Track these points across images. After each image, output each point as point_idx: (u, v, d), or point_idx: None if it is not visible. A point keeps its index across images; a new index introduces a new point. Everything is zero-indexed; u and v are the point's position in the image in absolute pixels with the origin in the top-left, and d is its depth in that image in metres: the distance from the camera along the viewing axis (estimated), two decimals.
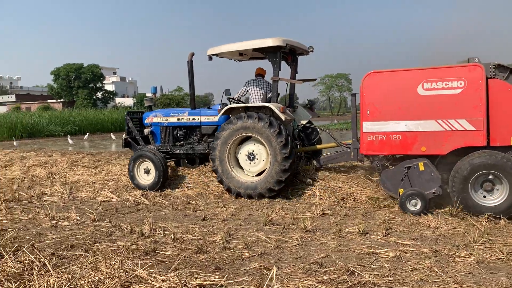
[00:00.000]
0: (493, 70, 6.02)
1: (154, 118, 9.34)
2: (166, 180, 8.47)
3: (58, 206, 7.49)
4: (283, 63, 8.38)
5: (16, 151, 15.08)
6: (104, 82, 70.90)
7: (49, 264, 4.03)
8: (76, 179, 9.64)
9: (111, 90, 74.74)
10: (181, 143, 9.09)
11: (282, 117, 7.45)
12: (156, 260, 4.60)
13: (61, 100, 64.87)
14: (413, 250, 4.70)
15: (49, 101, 65.71)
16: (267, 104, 7.63)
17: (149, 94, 71.71)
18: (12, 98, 73.67)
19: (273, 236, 5.29)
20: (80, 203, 7.78)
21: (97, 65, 67.47)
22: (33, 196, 8.18)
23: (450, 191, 6.15)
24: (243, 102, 8.53)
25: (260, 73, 8.64)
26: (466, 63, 6.19)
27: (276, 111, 7.47)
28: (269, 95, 8.22)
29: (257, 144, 7.70)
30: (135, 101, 68.63)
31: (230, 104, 8.15)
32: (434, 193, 6.23)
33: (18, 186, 9.23)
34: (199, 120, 8.79)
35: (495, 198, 5.91)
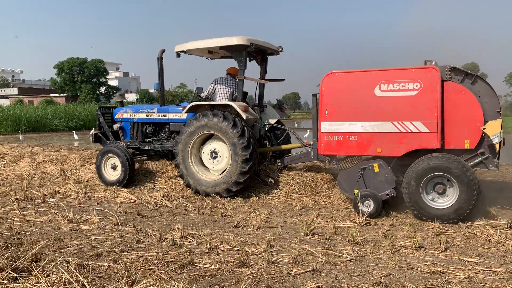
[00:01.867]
0: (449, 72, 5.93)
1: (124, 113, 9.31)
2: (132, 177, 8.35)
3: (75, 207, 6.97)
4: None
5: (22, 146, 14.56)
6: (107, 77, 70.22)
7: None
8: (90, 177, 9.11)
9: (114, 85, 74.05)
10: (150, 139, 8.99)
11: (244, 116, 7.32)
12: (196, 275, 4.09)
13: (64, 94, 64.24)
14: (485, 270, 4.18)
15: (52, 95, 65.10)
16: (229, 103, 7.52)
17: (152, 90, 71.17)
18: (15, 91, 73.06)
19: (320, 249, 4.78)
20: (98, 204, 7.26)
21: (100, 60, 66.77)
22: (46, 195, 7.66)
23: (403, 192, 5.96)
24: (210, 100, 8.33)
25: (230, 72, 8.47)
26: (423, 65, 6.03)
27: (238, 109, 7.33)
28: (235, 94, 8.05)
29: (220, 142, 7.54)
30: (138, 97, 67.97)
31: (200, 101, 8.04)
32: (388, 194, 6.16)
33: (29, 184, 8.72)
34: (167, 117, 8.70)
35: (446, 201, 5.81)
